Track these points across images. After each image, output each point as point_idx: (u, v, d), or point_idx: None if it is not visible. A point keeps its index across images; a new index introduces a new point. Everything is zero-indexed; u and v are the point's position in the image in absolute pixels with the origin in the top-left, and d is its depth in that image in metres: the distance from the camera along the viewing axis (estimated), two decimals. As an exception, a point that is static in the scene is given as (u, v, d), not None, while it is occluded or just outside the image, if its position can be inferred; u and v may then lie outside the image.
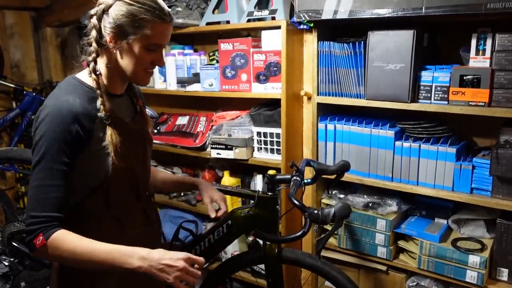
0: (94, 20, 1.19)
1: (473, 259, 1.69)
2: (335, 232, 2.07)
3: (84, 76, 1.24)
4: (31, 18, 3.37)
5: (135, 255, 1.12)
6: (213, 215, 1.58)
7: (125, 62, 1.21)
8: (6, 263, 2.48)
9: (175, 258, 1.14)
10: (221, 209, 1.59)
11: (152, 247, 1.39)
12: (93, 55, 1.21)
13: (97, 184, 1.23)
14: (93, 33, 1.19)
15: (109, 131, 1.21)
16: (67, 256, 1.12)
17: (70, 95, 1.17)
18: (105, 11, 1.18)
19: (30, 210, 1.13)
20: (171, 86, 2.54)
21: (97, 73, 1.22)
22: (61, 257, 1.12)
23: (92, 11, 1.20)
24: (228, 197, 2.37)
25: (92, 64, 1.21)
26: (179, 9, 2.38)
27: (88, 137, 1.17)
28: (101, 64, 1.24)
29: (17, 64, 3.34)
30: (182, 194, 2.63)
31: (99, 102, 1.20)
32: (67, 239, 1.12)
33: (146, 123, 1.41)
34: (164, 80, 2.58)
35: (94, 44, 1.20)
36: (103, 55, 1.23)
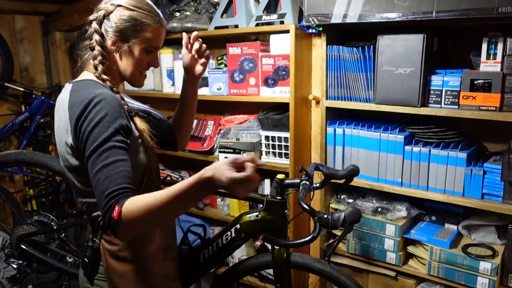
0: (95, 25, 1.25)
1: (484, 265, 1.67)
2: (344, 237, 2.05)
3: (91, 78, 1.27)
4: (40, 23, 3.40)
5: (201, 174, 1.04)
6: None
7: (124, 64, 1.28)
8: (15, 266, 2.50)
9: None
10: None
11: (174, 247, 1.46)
12: (99, 57, 1.25)
13: (141, 176, 1.27)
14: (96, 37, 1.24)
15: (137, 120, 1.27)
16: (144, 215, 1.05)
17: (98, 89, 1.19)
18: (105, 16, 1.24)
19: (103, 190, 1.08)
20: (180, 90, 2.54)
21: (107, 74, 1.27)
22: (139, 219, 1.05)
23: (92, 17, 1.26)
24: (235, 201, 2.37)
25: (100, 67, 1.24)
26: (188, 13, 2.39)
27: (130, 128, 1.21)
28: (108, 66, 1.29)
29: (26, 68, 3.37)
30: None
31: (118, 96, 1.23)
32: (138, 198, 1.06)
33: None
34: (173, 84, 2.59)
35: (98, 48, 1.24)
36: (109, 59, 1.28)
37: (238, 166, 1.04)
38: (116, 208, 1.05)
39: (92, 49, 1.25)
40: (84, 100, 1.14)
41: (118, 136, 1.13)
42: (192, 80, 1.58)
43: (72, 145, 1.19)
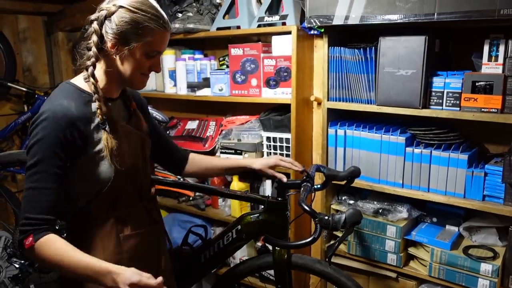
0: (95, 25, 1.20)
1: (485, 267, 1.67)
2: (345, 239, 2.05)
3: (79, 81, 1.26)
4: (43, 23, 3.41)
5: (108, 275, 1.10)
6: (285, 179, 1.60)
7: (125, 68, 1.23)
8: (17, 265, 2.51)
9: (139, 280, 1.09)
10: (295, 166, 1.62)
11: (157, 246, 1.45)
12: (92, 59, 1.22)
13: (100, 188, 1.25)
14: (94, 38, 1.20)
15: (104, 135, 1.21)
16: (50, 261, 1.15)
17: (65, 99, 1.19)
18: (107, 17, 1.19)
19: (24, 211, 1.15)
20: (181, 90, 2.55)
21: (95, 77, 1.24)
22: (44, 261, 1.15)
23: (93, 16, 1.22)
24: (236, 202, 2.37)
25: (90, 69, 1.22)
26: (190, 14, 2.40)
27: (84, 142, 1.19)
28: (99, 68, 1.25)
29: (29, 68, 3.38)
30: (191, 198, 2.63)
31: (95, 105, 1.21)
32: (52, 245, 1.15)
33: (141, 124, 1.42)
34: (175, 85, 2.59)
35: (94, 49, 1.21)
36: (102, 60, 1.24)
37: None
38: (30, 239, 1.14)
39: (89, 49, 1.22)
40: (38, 113, 1.18)
41: (55, 159, 1.15)
42: (249, 171, 1.65)
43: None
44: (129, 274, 1.09)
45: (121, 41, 1.19)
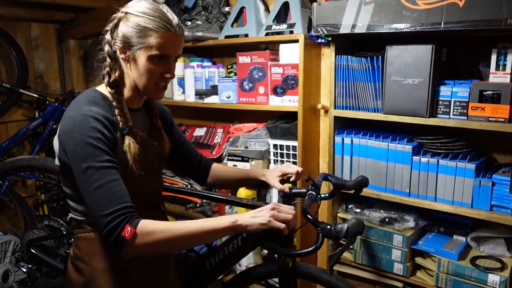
0: (108, 36, 1.23)
1: (493, 278, 1.65)
2: (351, 247, 2.04)
3: (103, 88, 1.27)
4: (55, 31, 3.46)
5: (226, 217, 1.16)
6: (287, 190, 1.59)
7: (135, 75, 1.23)
8: (24, 270, 2.52)
9: (263, 208, 1.20)
10: (297, 172, 1.60)
11: (164, 255, 1.43)
12: (107, 69, 1.25)
13: None
14: (106, 47, 1.24)
15: (127, 140, 1.23)
16: (162, 238, 1.09)
17: (92, 106, 1.19)
18: (116, 25, 1.22)
19: (102, 210, 1.08)
20: (190, 98, 2.57)
21: (116, 86, 1.26)
22: (155, 241, 1.09)
23: (108, 27, 1.24)
24: (243, 209, 2.37)
25: (106, 78, 1.25)
26: (199, 22, 2.42)
27: (115, 146, 1.20)
28: (122, 78, 1.28)
29: (40, 75, 3.43)
30: (198, 205, 2.64)
31: (116, 112, 1.23)
32: (155, 223, 1.11)
33: (163, 140, 1.42)
34: (183, 92, 2.61)
35: (108, 59, 1.24)
36: (121, 69, 1.26)
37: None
38: (128, 228, 1.07)
39: (104, 59, 1.25)
40: (63, 121, 1.18)
41: (102, 155, 1.13)
42: (263, 183, 1.65)
43: (56, 149, 1.23)
44: (264, 211, 1.18)
45: (125, 45, 1.20)
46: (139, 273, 1.35)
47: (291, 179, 1.60)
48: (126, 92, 1.29)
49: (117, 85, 1.26)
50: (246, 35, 2.28)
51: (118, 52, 1.22)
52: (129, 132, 1.23)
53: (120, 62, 1.25)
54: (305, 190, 1.55)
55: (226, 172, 1.71)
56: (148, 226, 1.10)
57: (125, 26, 1.20)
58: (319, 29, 1.90)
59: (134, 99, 1.31)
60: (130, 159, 1.22)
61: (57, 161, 1.26)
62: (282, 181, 1.62)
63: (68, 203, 1.31)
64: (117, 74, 1.27)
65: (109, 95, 1.25)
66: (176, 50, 1.24)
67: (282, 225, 1.18)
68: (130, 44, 1.20)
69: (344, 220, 2.09)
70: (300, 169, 1.60)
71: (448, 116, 1.72)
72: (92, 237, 1.29)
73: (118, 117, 1.22)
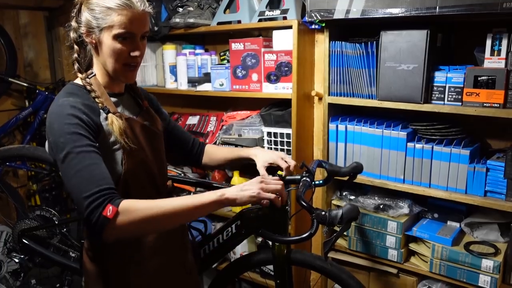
0: (73, 22, 1.23)
1: (486, 263, 1.66)
2: (345, 234, 2.05)
3: (79, 80, 1.26)
4: (44, 18, 3.40)
5: (212, 192, 1.14)
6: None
7: (103, 58, 1.22)
8: (17, 260, 2.51)
9: (250, 181, 1.21)
10: (289, 164, 1.56)
11: (179, 241, 1.46)
12: (75, 55, 1.25)
13: (115, 180, 1.22)
14: (72, 34, 1.23)
15: (110, 119, 1.20)
16: (145, 216, 1.06)
17: (70, 96, 1.18)
18: (79, 10, 1.21)
19: (82, 192, 1.05)
20: (182, 85, 2.54)
21: (91, 72, 1.25)
22: (139, 219, 1.05)
23: (72, 13, 1.23)
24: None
25: (76, 64, 1.24)
26: (191, 8, 2.38)
27: (97, 131, 1.18)
28: (95, 65, 1.27)
29: (30, 63, 3.38)
30: (191, 194, 2.63)
31: (92, 95, 1.22)
32: (137, 204, 1.07)
33: (153, 120, 1.41)
34: (175, 80, 2.58)
35: (75, 46, 1.24)
36: (91, 55, 1.26)
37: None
38: (110, 207, 1.03)
39: (72, 47, 1.24)
40: (48, 113, 1.17)
41: (83, 140, 1.11)
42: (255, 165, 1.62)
43: (47, 146, 1.21)
44: (252, 184, 1.20)
45: (89, 28, 1.19)
46: (155, 261, 1.35)
47: (283, 175, 1.56)
48: (101, 78, 1.27)
49: (87, 70, 1.26)
50: (239, 22, 2.25)
51: (84, 37, 1.21)
52: (109, 112, 1.22)
53: (89, 47, 1.24)
54: (299, 177, 1.54)
55: (219, 152, 1.70)
56: (130, 204, 1.06)
57: (87, 9, 1.18)
58: (313, 14, 1.88)
59: (113, 83, 1.29)
60: (117, 135, 1.19)
61: (53, 160, 1.23)
62: (269, 170, 1.60)
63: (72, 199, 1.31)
64: (87, 60, 1.26)
65: (85, 84, 1.24)
66: (139, 27, 1.21)
67: (272, 195, 1.18)
68: (93, 26, 1.18)
69: (338, 207, 2.08)
70: (292, 165, 1.57)
71: (442, 102, 1.71)
72: None
73: (97, 100, 1.21)
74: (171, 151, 1.61)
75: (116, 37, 1.17)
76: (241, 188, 1.18)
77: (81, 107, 1.15)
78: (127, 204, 1.06)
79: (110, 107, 1.23)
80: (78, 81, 1.26)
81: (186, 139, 1.66)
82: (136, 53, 1.22)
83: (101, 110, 1.21)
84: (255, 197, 1.16)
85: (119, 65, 1.22)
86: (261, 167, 1.57)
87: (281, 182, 1.24)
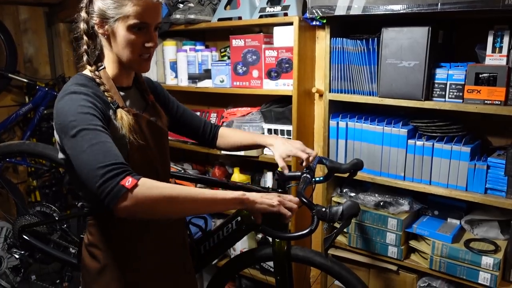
0: (83, 13, 1.20)
1: (486, 260, 1.66)
2: (345, 231, 2.05)
3: (88, 71, 1.24)
4: (44, 14, 3.39)
5: (234, 191, 1.17)
6: (286, 171, 1.55)
7: (117, 49, 1.20)
8: (17, 256, 2.51)
9: (269, 193, 1.25)
10: (310, 155, 1.54)
11: (180, 240, 1.45)
12: (84, 46, 1.22)
13: None
14: (82, 25, 1.21)
15: (119, 114, 1.19)
16: (163, 195, 1.03)
17: (81, 86, 1.17)
18: (91, 1, 1.19)
19: (98, 162, 1.00)
20: (182, 82, 2.54)
21: (100, 65, 1.23)
22: (156, 196, 1.02)
23: (82, 4, 1.21)
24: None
25: (85, 56, 1.22)
26: (191, 4, 2.38)
27: (107, 123, 1.16)
28: (106, 55, 1.24)
29: (30, 59, 3.37)
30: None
31: (101, 88, 1.20)
32: (158, 182, 1.05)
33: (159, 116, 1.40)
34: (176, 76, 2.58)
35: (84, 37, 1.21)
36: (102, 46, 1.23)
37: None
38: (130, 179, 1.01)
39: (81, 38, 1.22)
40: (55, 104, 1.14)
41: (95, 120, 1.08)
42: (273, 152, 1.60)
43: (57, 141, 1.19)
44: (271, 196, 1.23)
45: (102, 18, 1.17)
46: (155, 258, 1.35)
47: (303, 164, 1.54)
48: (112, 70, 1.25)
49: (98, 63, 1.24)
50: (240, 18, 2.24)
51: (96, 28, 1.19)
52: (118, 106, 1.21)
53: (100, 38, 1.22)
54: (299, 173, 1.54)
55: (234, 136, 1.67)
56: (151, 181, 1.04)
57: (99, 0, 1.17)
58: (314, 10, 1.87)
59: (122, 77, 1.28)
60: (126, 131, 1.18)
61: (60, 155, 1.22)
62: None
63: (79, 193, 1.30)
64: (98, 52, 1.24)
65: (95, 76, 1.22)
66: (154, 17, 1.20)
67: (289, 213, 1.22)
68: (107, 16, 1.16)
69: (338, 204, 2.08)
70: (313, 155, 1.54)
71: (443, 99, 1.71)
72: (105, 223, 1.27)
73: (106, 94, 1.20)
74: (184, 134, 1.62)
75: (130, 28, 1.16)
76: (262, 195, 1.21)
77: (94, 96, 1.15)
78: (147, 180, 1.04)
79: (119, 101, 1.22)
80: (87, 72, 1.24)
81: (196, 124, 1.62)
82: (151, 44, 1.21)
83: (110, 104, 1.20)
84: (274, 207, 1.20)
85: (134, 56, 1.20)
86: (279, 159, 1.54)
87: (297, 200, 1.27)
